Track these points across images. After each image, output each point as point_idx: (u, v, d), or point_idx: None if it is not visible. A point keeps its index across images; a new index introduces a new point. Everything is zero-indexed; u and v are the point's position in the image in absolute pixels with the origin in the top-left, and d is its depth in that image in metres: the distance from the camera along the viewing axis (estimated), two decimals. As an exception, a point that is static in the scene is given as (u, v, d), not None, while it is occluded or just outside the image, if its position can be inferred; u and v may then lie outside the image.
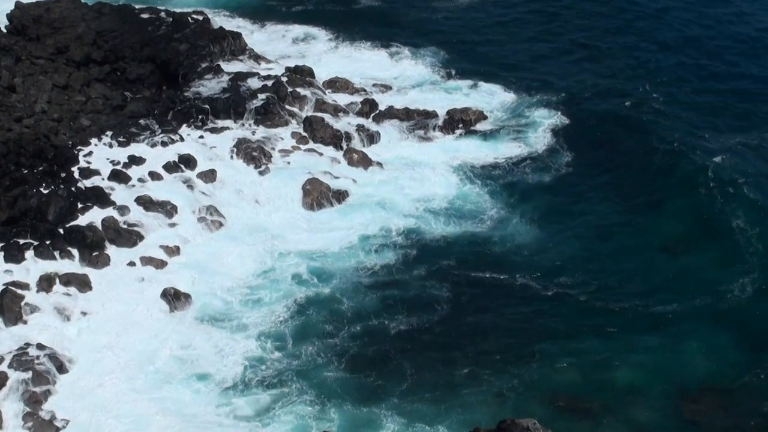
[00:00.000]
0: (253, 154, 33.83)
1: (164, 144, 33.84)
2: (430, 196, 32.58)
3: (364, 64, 40.45)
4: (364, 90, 38.79)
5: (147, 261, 29.41)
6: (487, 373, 24.58)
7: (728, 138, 34.41)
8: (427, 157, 34.75)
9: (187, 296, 28.31)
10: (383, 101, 37.99)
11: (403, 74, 40.36)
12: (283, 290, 28.65)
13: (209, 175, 32.83)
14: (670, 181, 32.23)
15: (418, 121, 36.68)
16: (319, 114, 36.09)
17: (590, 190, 32.49)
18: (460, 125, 36.75)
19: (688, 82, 38.54)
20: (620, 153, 34.40)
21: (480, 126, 36.77)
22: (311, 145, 35.00)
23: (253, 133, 35.00)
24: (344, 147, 35.13)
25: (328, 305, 27.71)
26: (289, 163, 34.04)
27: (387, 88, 39.36)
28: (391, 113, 37.14)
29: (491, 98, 38.80)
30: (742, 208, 30.08)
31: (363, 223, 31.36)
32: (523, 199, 32.06)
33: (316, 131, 35.39)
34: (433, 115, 37.04)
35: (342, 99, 37.79)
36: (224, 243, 30.52)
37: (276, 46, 42.28)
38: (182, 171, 32.63)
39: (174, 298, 28.24)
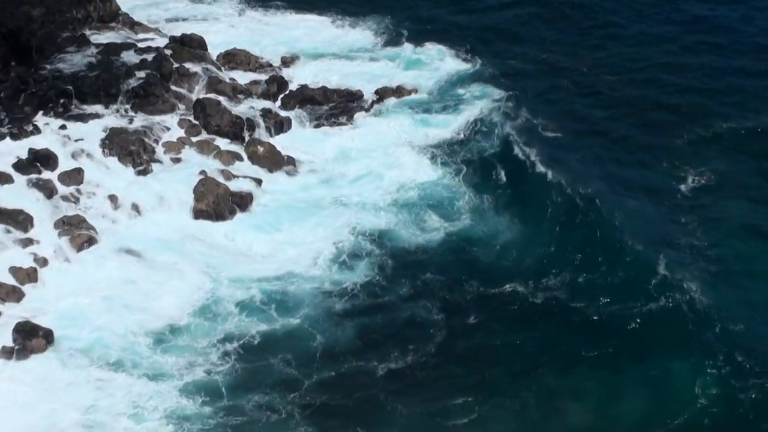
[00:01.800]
0: (130, 148, 31.47)
1: (14, 136, 31.28)
2: (364, 196, 30.84)
3: (278, 30, 39.79)
4: (270, 65, 37.22)
5: (-8, 290, 26.11)
6: (493, 413, 23.29)
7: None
8: (352, 144, 33.24)
9: (48, 334, 25.04)
10: (297, 77, 36.81)
11: (332, 41, 39.81)
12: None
13: (74, 177, 30.23)
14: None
15: (338, 103, 35.09)
16: (214, 96, 34.35)
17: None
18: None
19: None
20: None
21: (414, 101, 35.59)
22: (204, 135, 32.94)
23: (130, 121, 32.99)
24: (246, 138, 33.10)
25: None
26: (177, 159, 31.81)
27: (303, 58, 38.38)
28: (304, 95, 35.44)
29: (435, 72, 37.55)
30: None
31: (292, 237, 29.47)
32: (487, 185, 31.20)
33: (211, 118, 33.23)
34: (357, 95, 35.72)
35: (242, 77, 36.33)
36: (97, 264, 27.95)
37: (156, 10, 40.96)
38: (38, 171, 30.05)
39: (28, 335, 24.89)
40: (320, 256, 28.34)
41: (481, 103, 34.96)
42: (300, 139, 33.68)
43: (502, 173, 31.73)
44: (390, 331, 25.91)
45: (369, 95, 35.75)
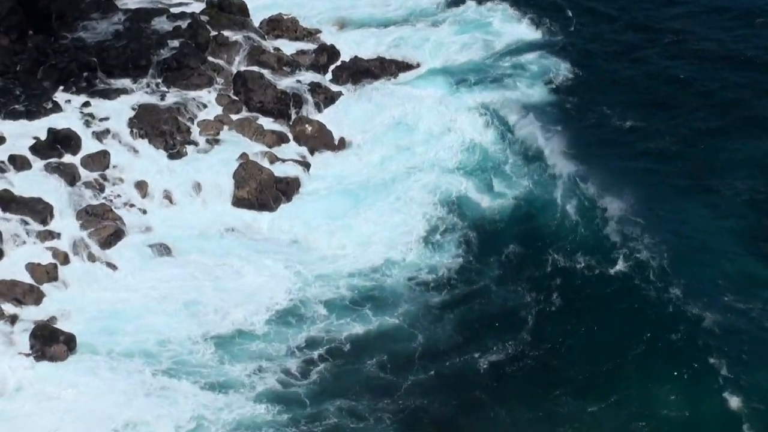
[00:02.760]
0: (162, 128, 30.98)
1: (31, 115, 30.96)
2: (432, 160, 31.03)
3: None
4: (319, 33, 37.04)
5: (8, 289, 25.70)
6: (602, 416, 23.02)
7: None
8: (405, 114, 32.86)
9: (70, 339, 24.34)
10: (349, 47, 36.23)
11: (389, 3, 39.30)
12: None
13: (98, 161, 29.68)
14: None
15: (395, 75, 35.14)
16: (257, 68, 33.85)
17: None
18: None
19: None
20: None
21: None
22: (245, 113, 32.52)
23: (162, 97, 32.47)
24: (293, 116, 32.66)
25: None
26: (214, 141, 31.31)
27: (357, 24, 38.11)
28: (357, 66, 35.04)
29: (498, 38, 37.21)
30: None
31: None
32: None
33: (253, 93, 32.78)
34: (415, 67, 35.56)
35: (288, 46, 35.80)
36: (127, 260, 27.27)
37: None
38: (59, 155, 29.58)
39: (47, 341, 24.15)
40: (412, 235, 28.23)
41: (537, 79, 34.71)
42: (352, 114, 32.98)
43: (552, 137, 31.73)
44: (486, 321, 25.81)
45: (428, 64, 35.57)
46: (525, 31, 37.51)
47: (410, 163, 30.88)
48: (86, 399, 22.93)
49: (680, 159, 31.02)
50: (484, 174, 30.41)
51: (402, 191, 29.61)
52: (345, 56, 35.27)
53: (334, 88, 33.77)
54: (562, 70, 35.12)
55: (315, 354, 24.47)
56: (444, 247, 27.93)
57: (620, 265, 26.62)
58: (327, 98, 33.15)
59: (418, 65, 35.21)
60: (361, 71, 34.48)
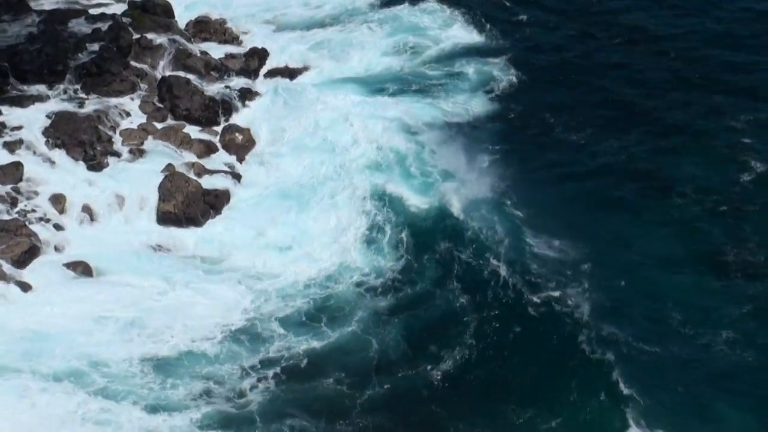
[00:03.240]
0: (80, 138, 30.48)
1: None
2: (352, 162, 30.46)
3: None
4: (248, 34, 37.30)
5: None
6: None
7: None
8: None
9: None
10: (281, 49, 36.29)
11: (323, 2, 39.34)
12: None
13: (11, 173, 29.10)
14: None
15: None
16: (183, 73, 33.71)
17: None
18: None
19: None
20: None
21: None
22: (171, 121, 32.23)
23: (81, 104, 32.10)
24: (222, 123, 32.51)
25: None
26: (138, 151, 30.94)
27: (288, 25, 38.06)
28: (289, 70, 35.57)
29: (432, 40, 37.00)
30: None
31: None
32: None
33: (179, 100, 32.52)
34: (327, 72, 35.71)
35: (216, 50, 35.82)
36: (43, 280, 26.48)
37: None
38: None
39: None
40: (351, 241, 28.13)
41: (472, 88, 34.30)
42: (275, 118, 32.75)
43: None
44: (431, 327, 25.98)
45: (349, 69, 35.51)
46: (462, 33, 37.39)
47: (330, 169, 30.57)
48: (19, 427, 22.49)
49: (624, 175, 30.81)
50: (402, 167, 30.32)
51: (330, 195, 29.46)
52: (276, 60, 35.26)
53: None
54: (501, 77, 34.88)
55: (270, 373, 24.25)
56: (384, 248, 27.92)
57: (545, 273, 26.65)
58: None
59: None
60: (293, 75, 34.63)
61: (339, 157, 30.93)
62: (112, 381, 23.57)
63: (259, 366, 24.37)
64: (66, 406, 22.88)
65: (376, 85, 34.03)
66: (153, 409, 22.84)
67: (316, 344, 24.99)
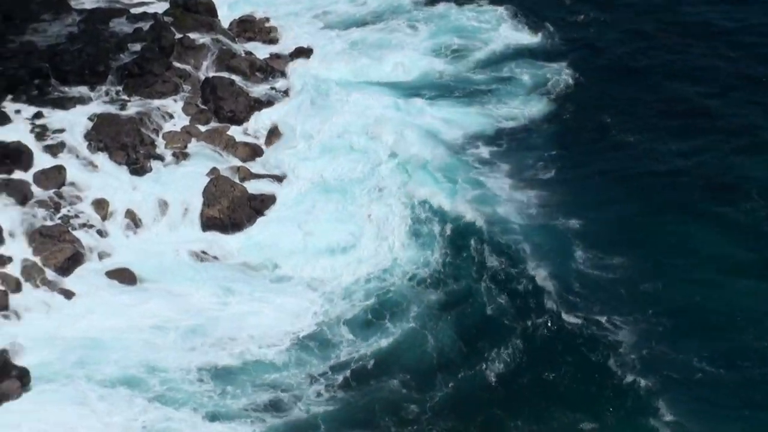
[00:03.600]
0: (123, 141, 30.60)
1: None
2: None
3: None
4: (290, 32, 37.68)
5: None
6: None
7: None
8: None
9: (24, 374, 23.51)
10: (326, 49, 36.28)
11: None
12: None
13: (53, 177, 29.15)
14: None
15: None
16: (227, 74, 33.82)
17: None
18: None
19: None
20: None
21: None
22: (215, 123, 32.26)
23: (123, 106, 32.20)
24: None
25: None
26: (182, 155, 30.99)
27: (334, 24, 38.19)
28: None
29: (481, 41, 36.73)
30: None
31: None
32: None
33: (223, 102, 32.65)
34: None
35: (261, 50, 36.06)
36: (87, 287, 26.61)
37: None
38: (8, 171, 29.17)
39: None
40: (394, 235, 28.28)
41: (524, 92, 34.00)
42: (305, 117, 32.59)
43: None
44: (479, 324, 26.05)
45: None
46: (514, 34, 37.16)
47: (367, 169, 30.69)
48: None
49: (687, 179, 30.27)
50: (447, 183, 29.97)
51: (369, 194, 29.59)
52: (317, 58, 35.34)
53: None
54: (556, 80, 34.49)
55: (338, 378, 24.48)
56: (429, 246, 27.98)
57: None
58: (306, 105, 33.05)
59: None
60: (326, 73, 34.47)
61: (372, 159, 30.91)
62: (171, 389, 23.73)
63: (328, 372, 24.60)
64: (126, 413, 23.06)
65: (415, 89, 34.02)
66: (213, 417, 23.07)
67: (382, 343, 25.22)
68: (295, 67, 34.61)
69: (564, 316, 25.64)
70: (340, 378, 24.40)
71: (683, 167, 30.39)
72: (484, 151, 31.55)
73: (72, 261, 26.83)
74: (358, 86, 34.01)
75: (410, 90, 33.83)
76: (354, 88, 33.71)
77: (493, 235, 28.44)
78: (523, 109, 33.07)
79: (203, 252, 28.02)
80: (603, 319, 25.55)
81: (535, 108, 33.06)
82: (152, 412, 23.33)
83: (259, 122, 32.36)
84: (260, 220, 29.18)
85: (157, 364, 24.32)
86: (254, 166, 30.71)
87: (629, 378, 23.97)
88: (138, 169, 29.78)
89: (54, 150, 29.85)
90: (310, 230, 28.52)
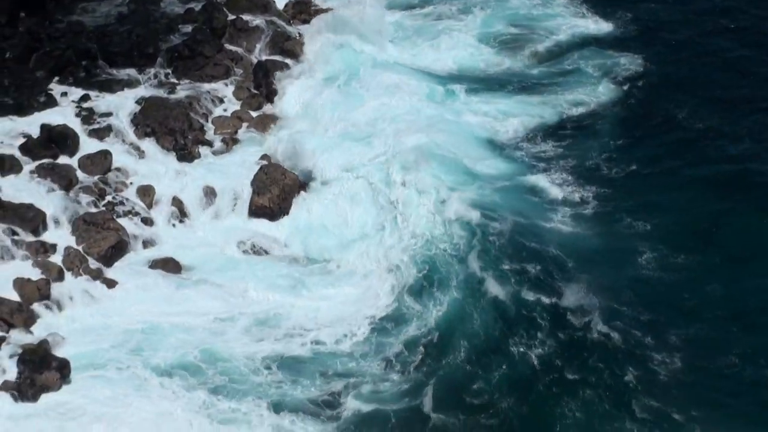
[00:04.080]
0: (171, 126, 30.64)
1: (22, 110, 30.72)
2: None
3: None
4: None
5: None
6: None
7: None
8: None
9: (63, 365, 23.51)
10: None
11: None
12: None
13: (98, 163, 29.08)
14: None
15: None
16: (280, 58, 34.14)
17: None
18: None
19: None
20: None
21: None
22: (268, 108, 32.31)
23: (172, 90, 32.27)
24: None
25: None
26: (232, 141, 31.10)
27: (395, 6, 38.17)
28: None
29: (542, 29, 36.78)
30: None
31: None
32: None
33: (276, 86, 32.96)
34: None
35: None
36: (133, 277, 26.74)
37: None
38: (53, 155, 29.16)
39: (37, 367, 23.25)
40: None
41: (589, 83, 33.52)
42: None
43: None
44: (518, 305, 26.16)
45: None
46: (582, 22, 36.98)
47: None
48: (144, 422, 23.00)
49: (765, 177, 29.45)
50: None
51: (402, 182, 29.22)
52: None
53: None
54: (624, 72, 34.12)
55: (412, 360, 24.56)
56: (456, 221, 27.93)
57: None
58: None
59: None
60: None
61: (402, 149, 30.46)
62: (235, 380, 23.93)
63: (403, 352, 24.76)
64: (187, 402, 23.36)
65: (470, 80, 33.73)
66: (279, 407, 23.20)
67: (441, 311, 25.50)
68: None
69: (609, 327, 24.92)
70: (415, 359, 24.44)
71: (760, 166, 29.66)
72: (542, 145, 31.27)
73: (116, 249, 26.91)
74: (404, 71, 33.96)
75: (463, 79, 33.66)
76: (398, 73, 33.76)
77: (531, 236, 27.94)
78: (590, 96, 32.84)
79: (252, 243, 27.85)
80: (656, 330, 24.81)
81: (604, 96, 32.78)
82: (216, 403, 23.41)
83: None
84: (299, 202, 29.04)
85: (219, 353, 24.43)
86: (306, 152, 29.95)
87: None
88: (186, 155, 29.79)
89: (100, 134, 29.91)
90: (347, 217, 28.41)
